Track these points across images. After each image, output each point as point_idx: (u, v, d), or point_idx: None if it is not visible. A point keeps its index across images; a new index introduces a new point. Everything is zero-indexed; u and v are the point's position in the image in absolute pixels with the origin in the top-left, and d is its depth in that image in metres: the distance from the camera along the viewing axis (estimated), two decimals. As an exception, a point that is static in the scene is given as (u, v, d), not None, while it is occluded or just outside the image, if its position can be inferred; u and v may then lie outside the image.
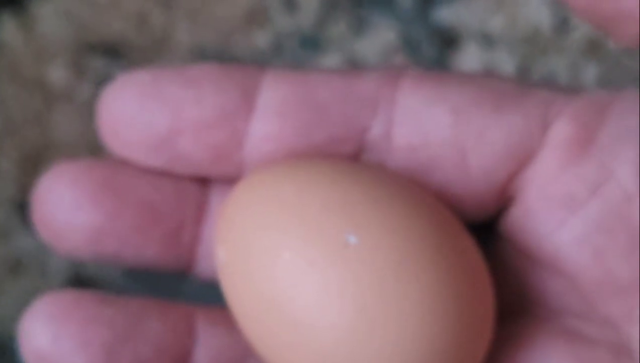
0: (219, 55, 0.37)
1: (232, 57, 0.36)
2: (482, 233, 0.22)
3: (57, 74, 0.37)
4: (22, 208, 0.36)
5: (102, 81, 0.35)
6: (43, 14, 0.37)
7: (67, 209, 0.22)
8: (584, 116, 0.21)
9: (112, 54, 0.37)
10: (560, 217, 0.21)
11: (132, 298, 0.22)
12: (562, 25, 0.37)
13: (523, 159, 0.21)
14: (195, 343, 0.22)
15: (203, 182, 0.23)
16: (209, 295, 0.23)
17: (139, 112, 0.22)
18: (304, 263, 0.20)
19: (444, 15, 0.37)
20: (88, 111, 0.37)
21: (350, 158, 0.22)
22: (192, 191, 0.23)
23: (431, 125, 0.21)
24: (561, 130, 0.21)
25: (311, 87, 0.22)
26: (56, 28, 0.37)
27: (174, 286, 0.32)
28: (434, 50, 0.37)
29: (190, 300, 0.24)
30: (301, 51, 0.37)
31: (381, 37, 0.37)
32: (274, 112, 0.22)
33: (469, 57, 0.37)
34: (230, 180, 0.22)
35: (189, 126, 0.22)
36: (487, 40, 0.37)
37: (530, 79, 0.34)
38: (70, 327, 0.22)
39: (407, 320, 0.20)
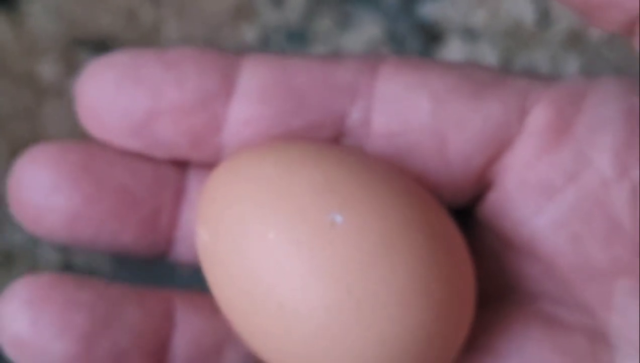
0: (207, 49, 0.37)
1: (220, 51, 0.37)
2: (461, 219, 0.22)
3: (47, 69, 0.37)
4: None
5: (91, 75, 0.35)
6: (33, 9, 0.37)
7: (44, 191, 0.22)
8: (562, 103, 0.21)
9: (102, 49, 0.37)
10: (537, 203, 0.21)
11: (111, 283, 0.22)
12: (544, 18, 0.37)
13: (501, 145, 0.21)
14: (173, 329, 0.22)
15: (181, 166, 0.22)
16: (201, 283, 0.23)
17: (117, 95, 0.21)
18: (289, 243, 0.20)
19: (428, 10, 0.37)
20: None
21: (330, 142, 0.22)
22: (170, 175, 0.22)
23: (410, 111, 0.21)
24: (539, 117, 0.21)
25: (291, 72, 0.21)
26: (46, 23, 0.37)
27: (166, 275, 0.32)
28: (418, 44, 0.37)
29: (181, 287, 0.24)
30: (288, 45, 0.37)
31: (366, 31, 0.37)
32: (254, 97, 0.21)
33: (453, 51, 0.37)
34: (209, 165, 0.22)
35: (168, 109, 0.21)
36: (470, 35, 0.37)
37: (512, 71, 0.34)
38: (49, 311, 0.21)
39: (392, 300, 0.20)
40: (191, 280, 0.29)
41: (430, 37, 0.37)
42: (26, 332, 0.21)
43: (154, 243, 0.22)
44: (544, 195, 0.21)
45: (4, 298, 0.22)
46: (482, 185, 0.22)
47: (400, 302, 0.20)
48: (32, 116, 0.37)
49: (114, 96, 0.21)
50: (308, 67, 0.22)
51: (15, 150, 0.36)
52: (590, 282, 0.21)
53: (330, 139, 0.22)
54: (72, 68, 0.37)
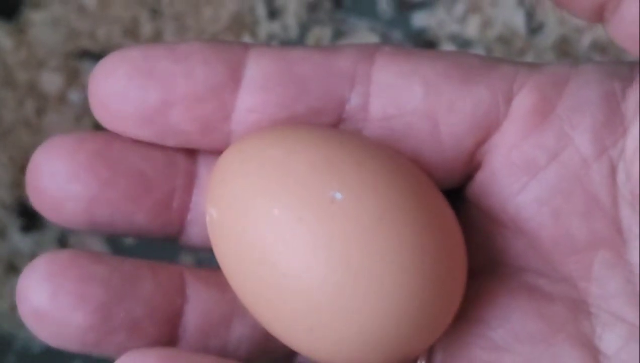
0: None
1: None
2: (453, 198, 0.23)
3: (49, 79, 0.37)
4: (15, 209, 0.37)
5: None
6: (34, 20, 0.38)
7: (62, 179, 0.22)
8: (545, 87, 0.22)
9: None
10: (522, 181, 0.22)
11: (126, 259, 0.23)
12: (536, 25, 0.38)
13: (489, 128, 0.23)
14: (185, 302, 0.23)
15: (191, 153, 0.23)
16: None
17: (130, 87, 0.22)
18: (293, 218, 0.21)
19: (422, 18, 0.38)
20: (79, 115, 0.37)
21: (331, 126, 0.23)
22: (181, 161, 0.23)
23: (404, 96, 0.22)
24: (524, 101, 0.22)
25: (292, 62, 0.23)
26: (47, 34, 0.37)
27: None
28: (413, 53, 0.37)
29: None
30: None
31: (362, 40, 0.37)
32: (258, 86, 0.22)
33: (447, 59, 0.37)
34: (218, 151, 0.23)
35: (179, 99, 0.22)
36: (464, 42, 0.38)
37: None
38: (67, 285, 0.22)
39: (389, 272, 0.21)
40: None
41: (425, 44, 0.38)
42: (46, 304, 0.22)
43: (167, 225, 0.23)
44: (528, 173, 0.22)
45: (24, 274, 0.22)
46: (472, 166, 0.23)
47: (396, 273, 0.21)
48: (35, 125, 0.37)
49: (127, 88, 0.22)
50: (309, 57, 0.23)
51: (18, 158, 0.37)
52: (571, 255, 0.22)
53: (331, 124, 0.23)
54: (73, 79, 0.37)
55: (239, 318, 0.23)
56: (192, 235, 0.23)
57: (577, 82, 0.22)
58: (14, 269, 0.36)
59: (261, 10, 0.38)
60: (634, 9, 0.20)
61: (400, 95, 0.22)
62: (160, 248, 0.28)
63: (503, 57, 0.23)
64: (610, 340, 0.22)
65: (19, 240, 0.37)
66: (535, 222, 0.22)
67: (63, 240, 0.37)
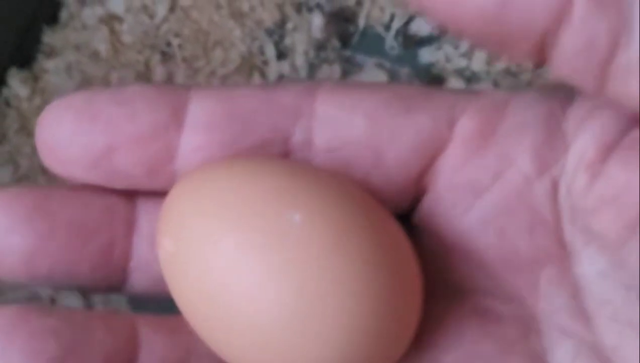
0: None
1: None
2: (402, 224, 0.23)
3: (63, 125, 0.37)
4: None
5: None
6: (48, 68, 0.38)
7: (0, 233, 0.23)
8: (486, 111, 0.23)
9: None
10: (467, 202, 0.23)
11: (75, 309, 0.23)
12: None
13: (433, 153, 0.23)
14: (139, 349, 0.23)
15: (131, 198, 0.23)
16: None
17: (75, 133, 0.22)
18: (247, 246, 0.21)
19: (429, 54, 0.39)
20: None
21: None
22: (120, 208, 0.23)
23: (347, 129, 0.23)
24: (465, 125, 0.23)
25: (236, 100, 0.23)
26: (61, 81, 0.38)
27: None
28: (421, 89, 0.38)
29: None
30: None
31: (371, 77, 0.38)
32: (202, 125, 0.23)
33: (456, 94, 0.37)
34: (160, 194, 0.23)
35: (124, 142, 0.22)
36: (471, 76, 0.38)
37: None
38: (17, 340, 0.22)
39: (343, 297, 0.21)
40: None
41: (432, 79, 0.38)
42: None
43: (109, 274, 0.23)
44: (472, 195, 0.23)
45: None
46: (419, 191, 0.23)
47: (351, 298, 0.21)
48: (51, 173, 0.37)
49: (72, 134, 0.23)
50: (252, 94, 0.23)
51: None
52: (518, 273, 0.23)
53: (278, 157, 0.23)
54: (87, 124, 0.37)
55: (196, 359, 0.23)
56: (135, 282, 0.23)
57: (518, 105, 0.23)
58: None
59: (270, 51, 0.38)
60: (574, 38, 0.20)
61: (343, 127, 0.23)
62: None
63: (442, 87, 0.24)
64: (560, 356, 0.22)
65: None
66: (481, 242, 0.23)
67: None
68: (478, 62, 0.38)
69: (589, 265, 0.22)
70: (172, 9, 0.39)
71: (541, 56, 0.21)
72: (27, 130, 0.38)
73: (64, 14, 0.39)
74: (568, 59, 0.20)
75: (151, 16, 0.39)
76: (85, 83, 0.38)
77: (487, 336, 0.22)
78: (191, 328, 0.22)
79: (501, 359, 0.22)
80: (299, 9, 0.39)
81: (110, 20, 0.39)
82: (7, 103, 0.38)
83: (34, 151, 0.37)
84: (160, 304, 0.23)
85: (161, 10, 0.39)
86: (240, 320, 0.21)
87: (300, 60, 0.38)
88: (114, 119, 0.22)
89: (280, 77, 0.38)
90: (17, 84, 0.38)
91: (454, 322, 0.23)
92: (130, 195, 0.23)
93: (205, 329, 0.22)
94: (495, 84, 0.37)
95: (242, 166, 0.22)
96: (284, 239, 0.21)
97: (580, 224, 0.22)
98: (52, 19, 0.39)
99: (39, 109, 0.38)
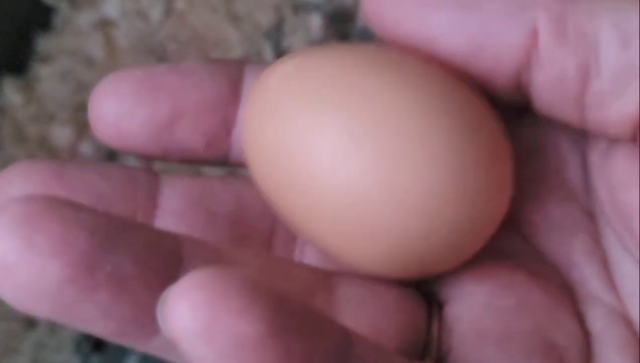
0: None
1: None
2: None
3: (59, 132, 0.37)
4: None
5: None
6: (43, 75, 0.38)
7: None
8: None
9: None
10: None
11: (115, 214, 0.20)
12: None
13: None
14: (180, 267, 0.19)
15: (154, 174, 0.23)
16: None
17: (138, 104, 0.23)
18: (327, 108, 0.21)
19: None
20: (90, 166, 0.37)
21: None
22: (142, 181, 0.23)
23: None
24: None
25: None
26: (56, 88, 0.38)
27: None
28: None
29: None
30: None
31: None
32: None
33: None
34: (220, 163, 0.23)
35: (189, 111, 0.23)
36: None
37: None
38: (44, 227, 0.18)
39: (426, 163, 0.20)
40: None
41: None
42: (16, 249, 0.18)
43: None
44: None
45: None
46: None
47: (435, 165, 0.20)
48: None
49: (134, 106, 0.23)
50: None
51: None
52: (553, 241, 0.23)
53: None
54: (83, 131, 0.37)
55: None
56: None
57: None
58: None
59: (268, 53, 0.38)
60: (545, 73, 0.21)
61: None
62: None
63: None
64: (591, 321, 0.22)
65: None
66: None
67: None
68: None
69: (616, 240, 0.22)
70: (167, 13, 0.38)
71: (521, 93, 0.21)
72: (22, 138, 0.37)
73: (57, 20, 0.38)
74: (544, 94, 0.21)
75: (146, 21, 0.38)
76: (81, 89, 0.37)
77: (537, 287, 0.22)
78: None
79: (551, 308, 0.22)
80: (296, 10, 0.38)
81: (105, 25, 0.38)
82: (2, 111, 0.38)
83: (29, 158, 0.37)
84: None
85: (156, 14, 0.38)
86: (320, 187, 0.21)
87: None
88: (180, 89, 0.23)
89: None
90: (11, 91, 0.37)
91: (504, 271, 0.23)
92: (154, 172, 0.23)
93: (283, 206, 0.22)
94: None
95: (323, 54, 0.22)
96: (367, 102, 0.20)
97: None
98: (46, 25, 0.38)
99: (34, 117, 0.37)
